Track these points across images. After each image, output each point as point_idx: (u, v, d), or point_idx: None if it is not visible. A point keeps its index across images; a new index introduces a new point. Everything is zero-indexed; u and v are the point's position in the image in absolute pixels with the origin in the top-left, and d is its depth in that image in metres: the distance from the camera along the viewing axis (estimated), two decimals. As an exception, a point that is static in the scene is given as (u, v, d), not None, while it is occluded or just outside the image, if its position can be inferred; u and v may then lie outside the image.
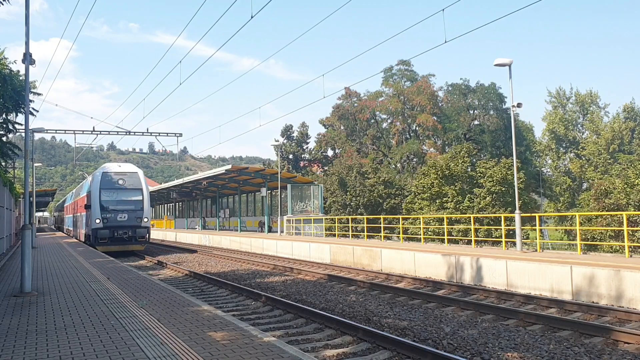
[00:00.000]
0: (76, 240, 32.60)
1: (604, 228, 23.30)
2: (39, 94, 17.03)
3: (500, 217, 21.73)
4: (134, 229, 24.31)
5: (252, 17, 13.19)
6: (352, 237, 26.00)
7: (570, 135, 54.11)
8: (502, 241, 17.55)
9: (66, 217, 46.93)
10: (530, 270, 12.27)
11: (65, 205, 49.63)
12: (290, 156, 61.50)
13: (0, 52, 14.57)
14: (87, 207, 25.23)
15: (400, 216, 28.04)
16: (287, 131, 63.56)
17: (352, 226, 29.10)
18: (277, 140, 43.85)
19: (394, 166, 54.00)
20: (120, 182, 24.84)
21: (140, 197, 24.91)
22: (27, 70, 10.57)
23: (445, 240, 20.55)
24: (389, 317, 9.59)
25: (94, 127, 27.15)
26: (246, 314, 10.18)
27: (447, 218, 24.40)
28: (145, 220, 24.81)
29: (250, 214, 42.98)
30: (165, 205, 65.03)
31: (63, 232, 51.00)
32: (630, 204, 25.71)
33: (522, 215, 16.74)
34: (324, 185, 41.76)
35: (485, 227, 26.85)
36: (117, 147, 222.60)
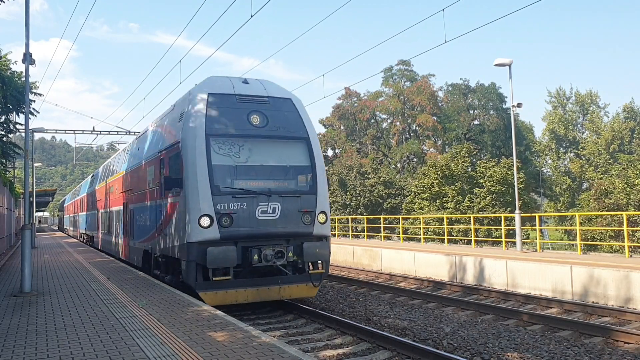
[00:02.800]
0: (77, 240, 31.99)
1: (604, 228, 23.30)
2: (40, 95, 17.03)
3: (500, 217, 21.71)
4: (298, 240, 9.83)
5: (251, 16, 13.19)
6: (352, 237, 25.99)
7: (570, 135, 54.12)
8: (502, 241, 17.55)
9: (84, 216, 28.83)
10: (530, 270, 12.27)
11: (70, 201, 40.78)
12: (290, 156, 61.35)
13: (5, 53, 14.62)
14: (171, 182, 9.93)
15: (400, 216, 28.02)
16: (287, 131, 63.40)
17: (352, 226, 29.10)
18: (278, 140, 43.57)
19: (394, 166, 54.00)
20: (255, 120, 10.22)
21: (306, 160, 10.40)
22: (27, 70, 10.58)
23: (445, 241, 20.54)
24: (389, 317, 9.59)
25: (94, 127, 27.17)
26: (246, 314, 10.17)
27: (447, 218, 24.39)
28: (323, 217, 10.15)
29: (250, 213, 42.67)
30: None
31: (63, 232, 50.55)
32: (630, 204, 25.71)
33: (522, 215, 16.74)
34: (324, 185, 41.62)
35: (485, 227, 26.83)
36: (117, 147, 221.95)
